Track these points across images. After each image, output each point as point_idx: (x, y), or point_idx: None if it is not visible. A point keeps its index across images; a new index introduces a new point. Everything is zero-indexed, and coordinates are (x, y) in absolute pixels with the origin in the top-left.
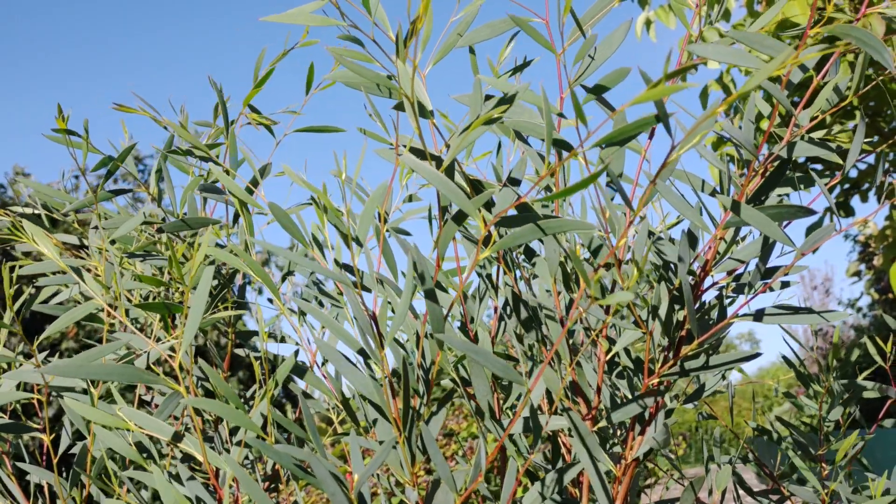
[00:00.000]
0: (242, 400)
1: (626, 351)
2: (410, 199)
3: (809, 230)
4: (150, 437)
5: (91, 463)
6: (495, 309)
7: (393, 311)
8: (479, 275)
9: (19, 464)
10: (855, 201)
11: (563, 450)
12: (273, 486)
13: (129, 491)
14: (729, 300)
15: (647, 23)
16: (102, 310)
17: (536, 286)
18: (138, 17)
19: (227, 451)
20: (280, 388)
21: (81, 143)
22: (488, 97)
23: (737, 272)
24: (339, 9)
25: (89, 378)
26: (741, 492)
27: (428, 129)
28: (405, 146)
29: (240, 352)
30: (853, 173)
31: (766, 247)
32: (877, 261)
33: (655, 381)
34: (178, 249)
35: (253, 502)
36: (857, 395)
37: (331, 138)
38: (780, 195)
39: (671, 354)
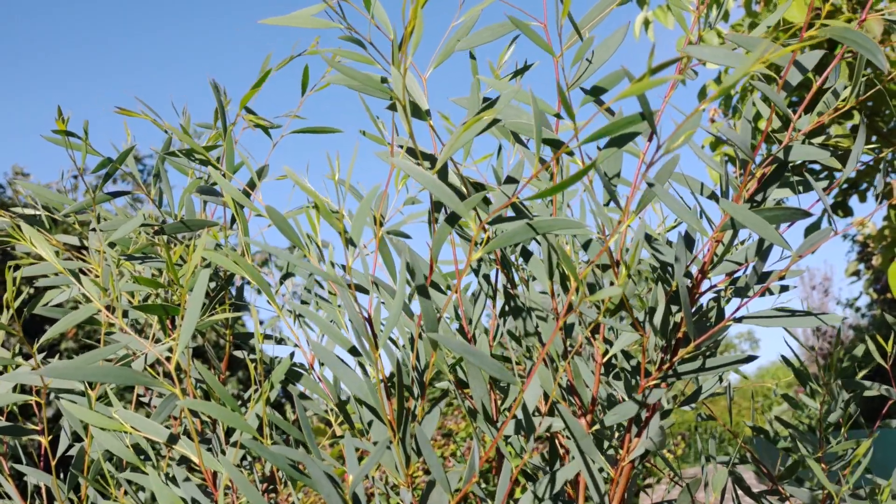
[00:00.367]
0: (241, 401)
1: (624, 353)
2: (413, 202)
3: (808, 231)
4: (148, 439)
5: (89, 465)
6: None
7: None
8: (476, 275)
9: (16, 465)
10: (853, 201)
11: (562, 451)
12: (271, 487)
13: (126, 493)
14: (726, 301)
15: (646, 22)
16: (101, 312)
17: (535, 287)
18: (138, 18)
19: (224, 452)
20: (278, 388)
21: (81, 145)
22: (487, 100)
23: (735, 274)
24: (339, 12)
25: (87, 380)
26: (740, 492)
27: (428, 131)
28: (402, 147)
29: (239, 352)
30: (852, 173)
31: (764, 249)
32: (875, 260)
33: (652, 383)
34: (176, 251)
35: None
36: (858, 396)
37: (332, 140)
38: (777, 199)
39: (668, 357)
